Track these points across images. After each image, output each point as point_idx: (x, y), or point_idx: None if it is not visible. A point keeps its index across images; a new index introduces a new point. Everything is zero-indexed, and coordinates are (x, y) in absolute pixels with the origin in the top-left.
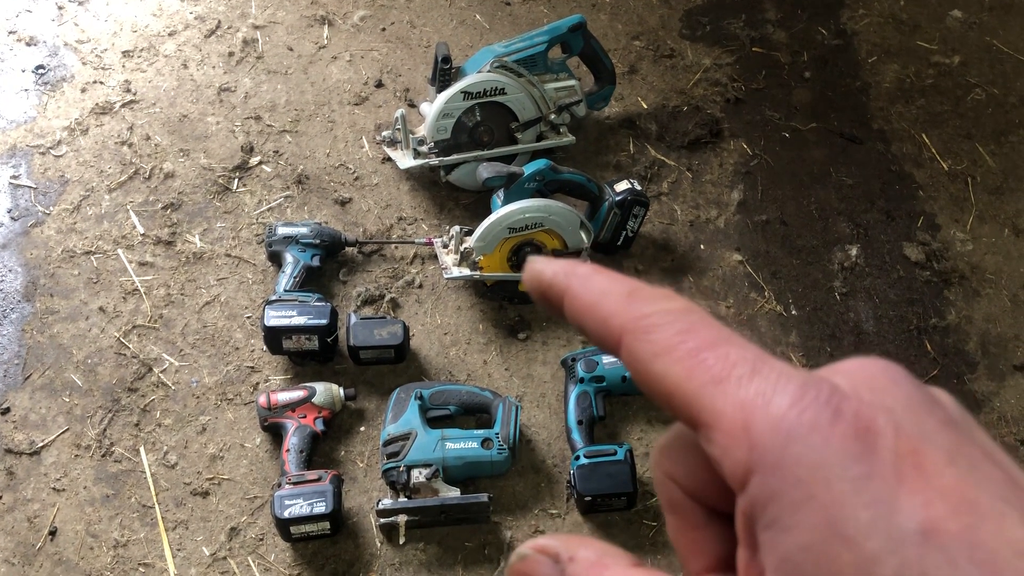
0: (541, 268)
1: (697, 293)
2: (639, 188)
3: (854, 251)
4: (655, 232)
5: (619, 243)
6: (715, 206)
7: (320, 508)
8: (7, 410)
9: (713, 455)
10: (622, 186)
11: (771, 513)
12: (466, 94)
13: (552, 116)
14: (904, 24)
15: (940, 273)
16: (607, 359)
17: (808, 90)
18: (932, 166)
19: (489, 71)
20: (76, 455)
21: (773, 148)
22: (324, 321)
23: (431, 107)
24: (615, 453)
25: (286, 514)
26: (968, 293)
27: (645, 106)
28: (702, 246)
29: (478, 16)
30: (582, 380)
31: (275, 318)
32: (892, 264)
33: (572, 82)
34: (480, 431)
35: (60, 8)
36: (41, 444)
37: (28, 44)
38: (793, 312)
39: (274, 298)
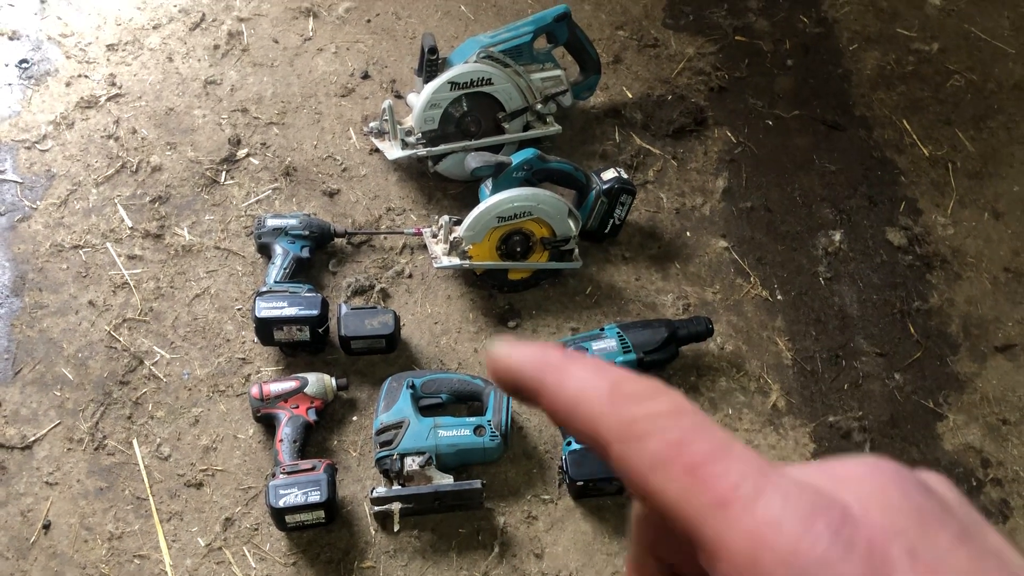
0: (508, 358)
1: (684, 279)
2: (626, 176)
3: (838, 236)
4: (642, 220)
5: (606, 231)
6: (700, 193)
7: (315, 497)
8: None
9: None
10: (609, 174)
11: None
12: (453, 84)
13: (538, 106)
14: (884, 12)
15: (922, 257)
16: (596, 346)
17: (791, 78)
18: (913, 152)
19: (475, 61)
20: (69, 448)
21: (757, 136)
22: (315, 312)
23: (418, 98)
24: None
25: (281, 503)
26: (950, 276)
27: (630, 95)
28: (688, 233)
29: (463, 7)
30: None
31: (266, 309)
32: (875, 249)
33: (558, 72)
34: (472, 419)
35: (43, 2)
36: (33, 438)
37: (11, 38)
38: (779, 297)
39: (264, 289)
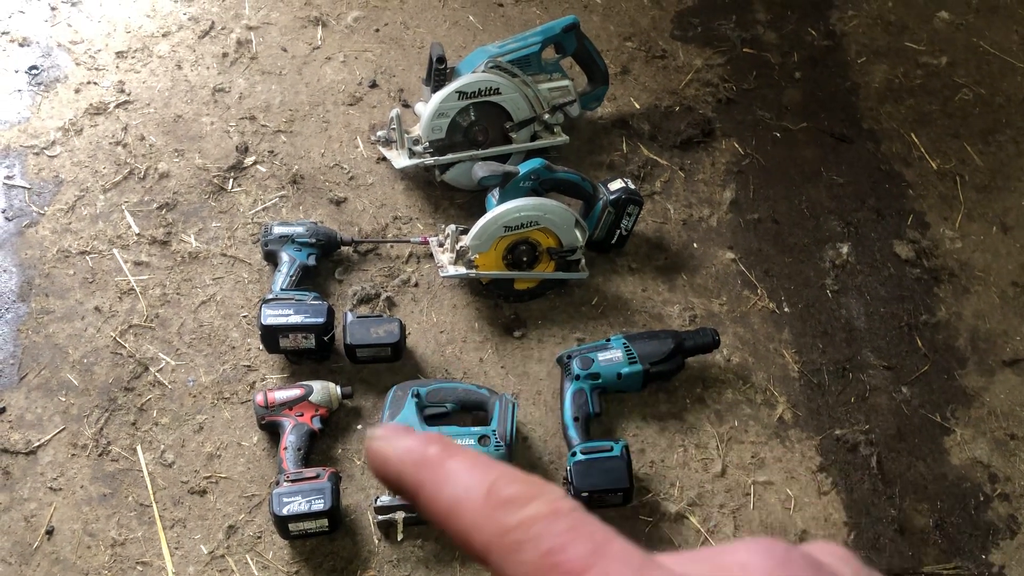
0: (386, 454)
1: (691, 291)
2: (633, 187)
3: (845, 249)
4: (649, 231)
5: (613, 242)
6: (708, 205)
7: (318, 505)
8: (3, 410)
9: None
10: (616, 185)
11: None
12: (461, 94)
13: (546, 116)
14: (892, 25)
15: (930, 270)
16: (602, 356)
17: (798, 90)
18: (921, 165)
19: (484, 71)
20: (73, 454)
21: (764, 147)
22: (321, 320)
23: (426, 107)
24: (611, 449)
25: (284, 511)
26: (958, 290)
27: (638, 106)
28: (695, 244)
29: (471, 17)
30: (578, 377)
31: (272, 316)
32: (883, 262)
33: (566, 82)
34: (477, 428)
35: (53, 9)
36: (37, 443)
37: (21, 45)
38: (786, 309)
39: (271, 297)
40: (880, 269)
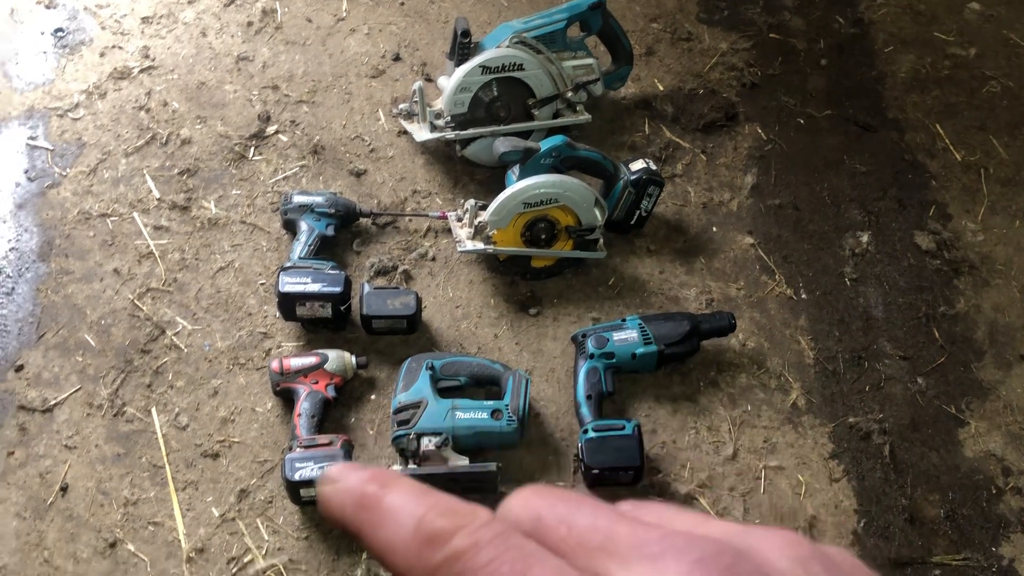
0: (330, 499)
1: (708, 275)
2: (654, 168)
3: (865, 238)
4: (668, 213)
5: (632, 222)
6: (728, 189)
7: None
8: (21, 367)
9: None
10: (637, 165)
11: None
12: (484, 68)
13: (569, 94)
14: (921, 15)
15: (950, 262)
16: (617, 336)
17: (824, 77)
18: (945, 156)
19: (508, 47)
20: (88, 414)
21: (787, 133)
22: (338, 289)
23: (449, 81)
24: (623, 428)
25: (296, 476)
26: (978, 283)
27: (661, 88)
28: (714, 228)
29: None
30: (592, 356)
31: (290, 284)
32: (903, 252)
33: (590, 60)
34: (490, 402)
35: None
36: (54, 402)
37: (47, 7)
38: (803, 296)
39: (289, 265)
40: (900, 259)
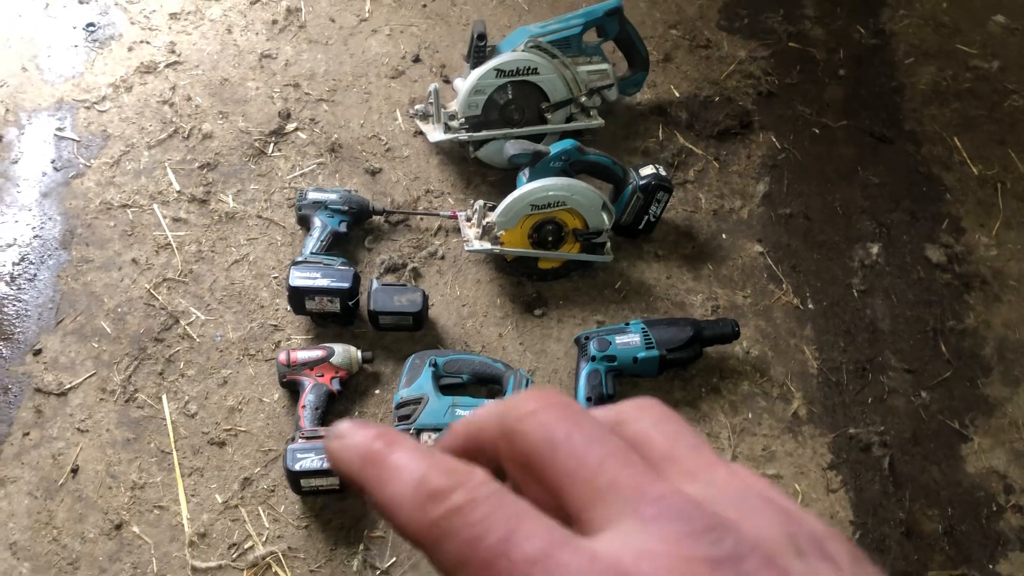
0: (337, 453)
1: (716, 281)
2: (664, 174)
3: (875, 249)
4: (678, 219)
5: (641, 227)
6: (740, 197)
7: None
8: (39, 351)
9: None
10: (647, 171)
11: None
12: (499, 72)
13: (583, 98)
14: (945, 27)
15: (961, 276)
16: (620, 339)
17: (842, 87)
18: (962, 170)
19: (523, 51)
20: (101, 399)
21: (802, 143)
22: (346, 285)
23: (464, 83)
24: None
25: (297, 467)
26: (989, 298)
27: (677, 94)
28: (724, 235)
29: None
30: (594, 358)
31: (299, 279)
32: (913, 264)
33: (605, 66)
34: (491, 400)
35: None
36: (69, 386)
37: (81, 2)
38: (810, 306)
39: (300, 259)
40: (909, 272)
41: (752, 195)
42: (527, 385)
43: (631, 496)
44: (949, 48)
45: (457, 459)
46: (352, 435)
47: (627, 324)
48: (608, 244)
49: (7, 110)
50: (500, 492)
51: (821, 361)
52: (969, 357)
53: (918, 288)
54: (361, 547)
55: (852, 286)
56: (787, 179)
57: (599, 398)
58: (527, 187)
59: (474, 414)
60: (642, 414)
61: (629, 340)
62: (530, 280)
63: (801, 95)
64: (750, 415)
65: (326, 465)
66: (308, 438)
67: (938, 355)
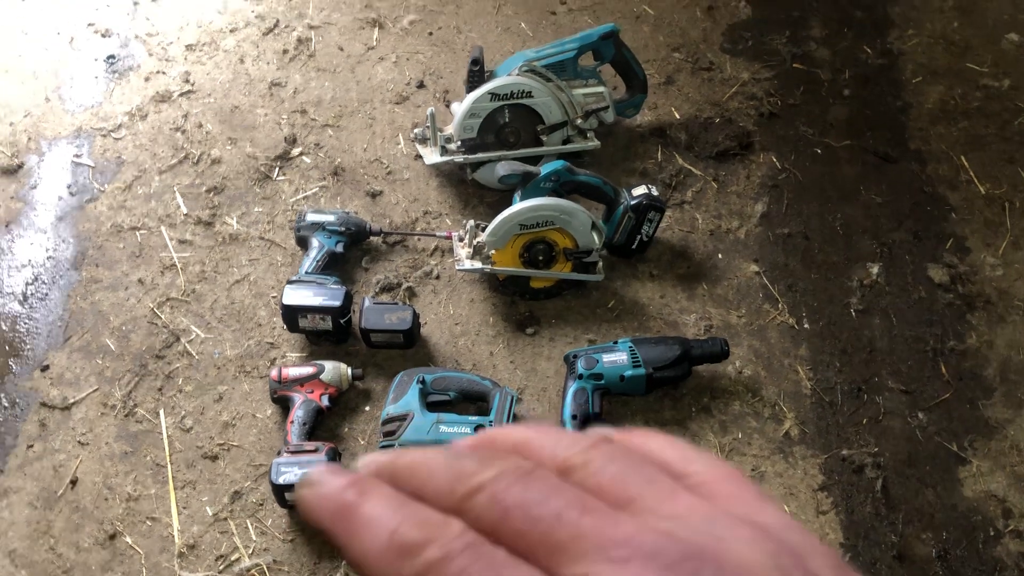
0: (309, 504)
1: (710, 301)
2: (656, 194)
3: (875, 269)
4: (674, 239)
5: (634, 247)
6: (737, 217)
7: None
8: (47, 367)
9: None
10: (639, 191)
11: None
12: (493, 95)
13: (579, 120)
14: (955, 45)
15: (964, 296)
16: (607, 357)
17: (846, 107)
18: (968, 189)
19: (518, 74)
20: (102, 413)
21: (803, 163)
22: (337, 303)
23: (460, 107)
24: None
25: (281, 480)
26: (992, 318)
27: (678, 116)
28: (720, 255)
29: (523, 24)
30: (581, 376)
31: (292, 297)
32: (914, 284)
33: (601, 88)
34: (475, 418)
35: (135, 3)
36: (72, 400)
37: (103, 36)
38: (806, 325)
39: (295, 278)
40: (910, 291)
41: (750, 215)
42: (513, 403)
43: (598, 543)
44: (959, 67)
45: (432, 509)
46: (324, 484)
47: (615, 342)
48: (600, 263)
49: (29, 139)
50: (475, 544)
51: (815, 381)
52: (970, 378)
53: (919, 308)
54: (344, 563)
55: (850, 306)
56: (787, 199)
57: (585, 416)
58: (516, 207)
59: (426, 475)
60: (590, 455)
61: (616, 358)
62: (522, 299)
63: (804, 116)
64: (740, 435)
65: None
66: (293, 452)
67: (937, 376)
